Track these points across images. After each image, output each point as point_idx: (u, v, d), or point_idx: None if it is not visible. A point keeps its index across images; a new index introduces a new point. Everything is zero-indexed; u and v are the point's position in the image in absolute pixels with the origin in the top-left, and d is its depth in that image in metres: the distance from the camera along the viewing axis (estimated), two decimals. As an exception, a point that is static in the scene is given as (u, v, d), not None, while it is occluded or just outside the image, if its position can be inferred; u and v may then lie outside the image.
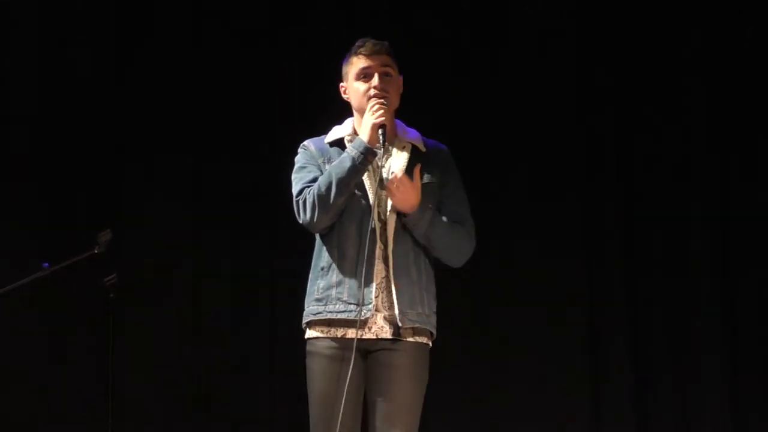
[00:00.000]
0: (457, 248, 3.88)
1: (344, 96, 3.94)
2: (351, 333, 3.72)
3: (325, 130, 4.04)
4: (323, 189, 3.74)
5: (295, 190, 3.86)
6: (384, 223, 3.78)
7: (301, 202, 3.80)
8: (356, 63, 3.86)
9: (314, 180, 3.81)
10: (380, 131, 3.75)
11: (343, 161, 3.76)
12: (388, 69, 3.85)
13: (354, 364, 3.69)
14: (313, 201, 3.75)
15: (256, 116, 6.03)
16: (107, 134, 5.97)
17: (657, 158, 5.96)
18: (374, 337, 3.75)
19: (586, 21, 6.04)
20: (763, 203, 5.86)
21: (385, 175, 3.79)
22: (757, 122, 5.91)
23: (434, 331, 3.86)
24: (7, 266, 5.49)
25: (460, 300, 5.70)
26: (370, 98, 3.80)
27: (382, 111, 3.76)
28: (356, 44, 3.89)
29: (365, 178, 3.79)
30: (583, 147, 6.01)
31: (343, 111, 4.08)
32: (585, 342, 5.92)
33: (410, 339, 3.78)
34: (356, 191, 3.78)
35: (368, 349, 3.76)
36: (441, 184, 3.88)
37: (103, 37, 6.02)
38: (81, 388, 5.78)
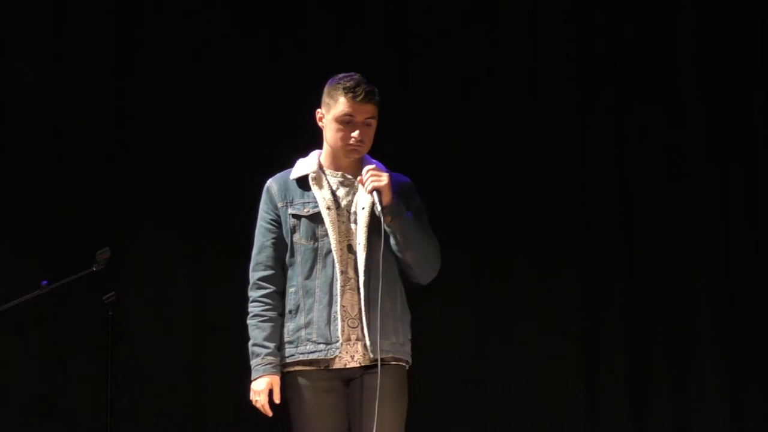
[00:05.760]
0: (428, 256, 3.83)
1: (319, 123, 3.89)
2: (332, 364, 3.75)
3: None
4: (249, 333, 3.82)
5: (252, 261, 3.90)
6: (355, 255, 3.78)
7: (249, 289, 3.86)
8: (342, 103, 3.78)
9: (268, 256, 3.83)
10: (375, 195, 3.71)
11: (253, 351, 3.80)
12: (371, 120, 3.81)
13: (337, 393, 3.77)
14: (248, 318, 3.84)
15: (257, 130, 6.01)
16: (107, 150, 5.96)
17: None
18: (357, 365, 3.77)
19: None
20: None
21: (353, 209, 3.80)
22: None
23: (409, 360, 3.87)
24: (5, 284, 5.48)
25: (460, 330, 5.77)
26: (346, 145, 3.79)
27: (374, 181, 3.71)
28: (347, 81, 3.79)
29: (325, 215, 3.79)
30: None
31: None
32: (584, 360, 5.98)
33: (391, 363, 3.79)
34: (317, 229, 3.79)
35: (351, 377, 3.79)
36: None
37: (102, 52, 6.00)
38: (79, 405, 5.75)
